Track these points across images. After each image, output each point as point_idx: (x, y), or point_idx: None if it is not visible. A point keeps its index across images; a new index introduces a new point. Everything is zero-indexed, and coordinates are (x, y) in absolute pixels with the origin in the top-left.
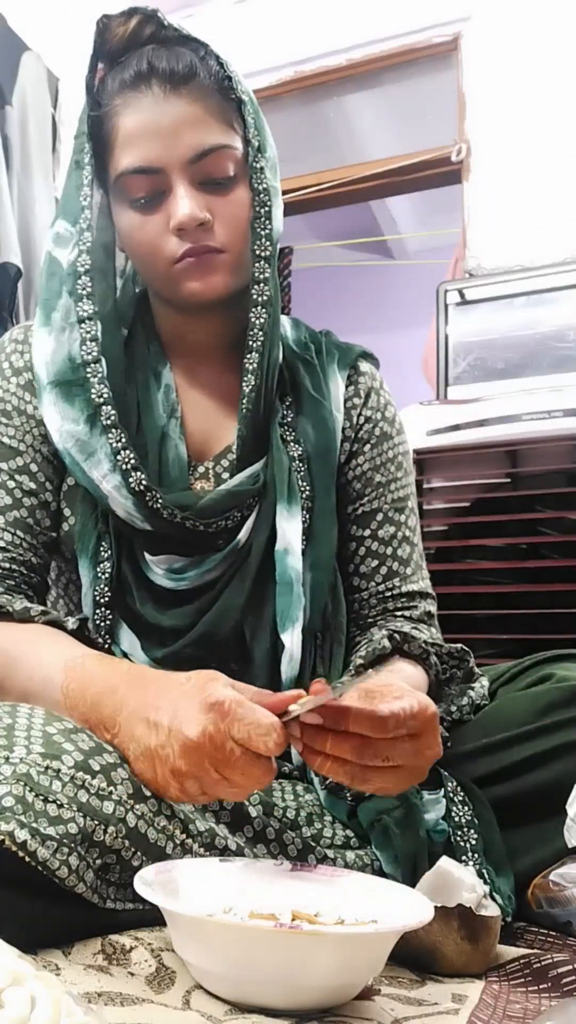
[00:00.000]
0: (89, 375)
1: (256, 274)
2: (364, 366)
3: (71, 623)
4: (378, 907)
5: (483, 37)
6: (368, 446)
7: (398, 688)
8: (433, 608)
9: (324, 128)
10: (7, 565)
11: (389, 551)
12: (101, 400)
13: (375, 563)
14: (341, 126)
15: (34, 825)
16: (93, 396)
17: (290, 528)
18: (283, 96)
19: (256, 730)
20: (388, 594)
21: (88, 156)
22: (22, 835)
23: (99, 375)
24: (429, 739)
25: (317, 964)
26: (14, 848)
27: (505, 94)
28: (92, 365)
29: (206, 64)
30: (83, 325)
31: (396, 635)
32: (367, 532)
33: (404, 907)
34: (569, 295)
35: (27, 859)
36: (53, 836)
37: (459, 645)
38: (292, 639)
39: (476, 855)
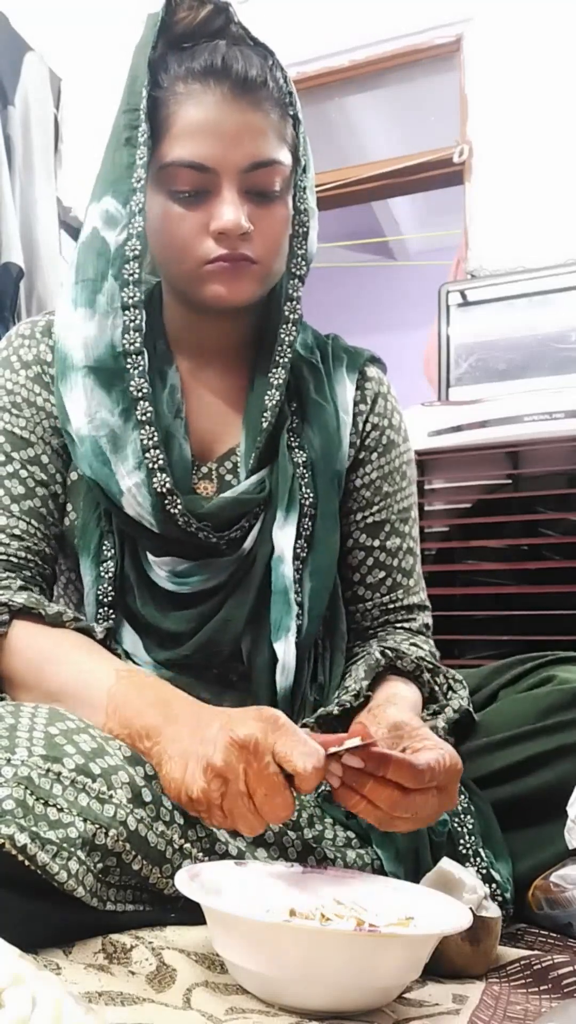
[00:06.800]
0: (129, 366)
1: (290, 291)
2: (371, 371)
3: (99, 632)
4: (406, 905)
5: (485, 38)
6: (375, 454)
7: (428, 735)
8: (430, 620)
9: (326, 129)
10: (23, 555)
11: (395, 562)
12: (139, 395)
13: (382, 574)
14: (343, 127)
15: (34, 829)
16: (131, 389)
17: (283, 536)
18: None
19: (301, 748)
20: (391, 606)
21: (145, 136)
22: (22, 839)
23: (140, 368)
24: (452, 791)
25: (389, 965)
26: (14, 852)
27: (507, 95)
28: (133, 356)
29: (274, 74)
30: (127, 313)
31: (388, 651)
32: (376, 543)
33: (431, 903)
34: (571, 296)
35: (27, 863)
36: (53, 840)
37: (454, 673)
38: (285, 649)
39: (473, 838)
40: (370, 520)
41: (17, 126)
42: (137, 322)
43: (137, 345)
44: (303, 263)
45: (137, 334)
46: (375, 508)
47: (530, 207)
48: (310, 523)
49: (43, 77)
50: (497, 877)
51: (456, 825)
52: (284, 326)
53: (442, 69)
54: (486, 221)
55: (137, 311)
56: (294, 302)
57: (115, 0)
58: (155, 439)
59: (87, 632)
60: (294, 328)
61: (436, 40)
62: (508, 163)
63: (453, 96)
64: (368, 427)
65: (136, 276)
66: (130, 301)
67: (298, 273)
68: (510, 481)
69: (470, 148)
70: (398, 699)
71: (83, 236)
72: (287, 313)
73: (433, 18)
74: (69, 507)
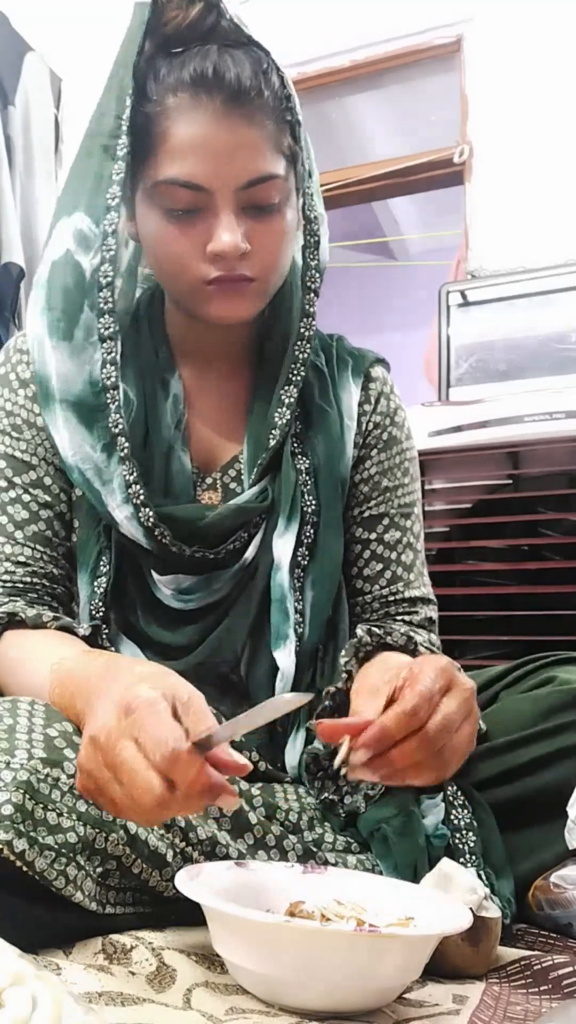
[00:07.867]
0: (108, 401)
1: (306, 307)
2: (376, 372)
3: (83, 629)
4: (406, 906)
5: (486, 39)
6: (376, 450)
7: (396, 669)
8: (434, 614)
9: (327, 129)
10: (28, 579)
11: (394, 556)
12: (117, 431)
13: (379, 567)
14: (343, 127)
15: (33, 834)
16: (110, 425)
17: (282, 544)
18: None
19: (151, 741)
20: (391, 599)
21: (125, 150)
22: (20, 845)
23: (117, 403)
24: (458, 682)
25: (389, 965)
26: (12, 858)
27: (507, 96)
28: (111, 391)
29: (269, 80)
30: (104, 345)
31: (375, 630)
32: (373, 536)
33: (431, 904)
34: (571, 297)
35: (25, 869)
36: (52, 846)
37: (457, 665)
38: (284, 657)
39: (474, 857)
40: (367, 514)
41: (17, 126)
42: (113, 355)
43: (114, 379)
44: (316, 275)
45: (113, 368)
46: (372, 502)
47: (530, 207)
48: (312, 531)
49: (43, 77)
50: (498, 903)
51: (457, 842)
52: (299, 343)
53: (442, 69)
54: (486, 221)
55: (113, 343)
56: (309, 319)
57: (115, 0)
58: (135, 475)
59: (68, 629)
60: (308, 345)
61: (436, 40)
62: (508, 163)
63: (453, 96)
64: (371, 426)
65: (111, 304)
66: (107, 332)
67: (312, 287)
68: (510, 481)
69: (470, 148)
70: (387, 659)
71: (55, 254)
72: (302, 330)
73: (433, 18)
74: (76, 522)
